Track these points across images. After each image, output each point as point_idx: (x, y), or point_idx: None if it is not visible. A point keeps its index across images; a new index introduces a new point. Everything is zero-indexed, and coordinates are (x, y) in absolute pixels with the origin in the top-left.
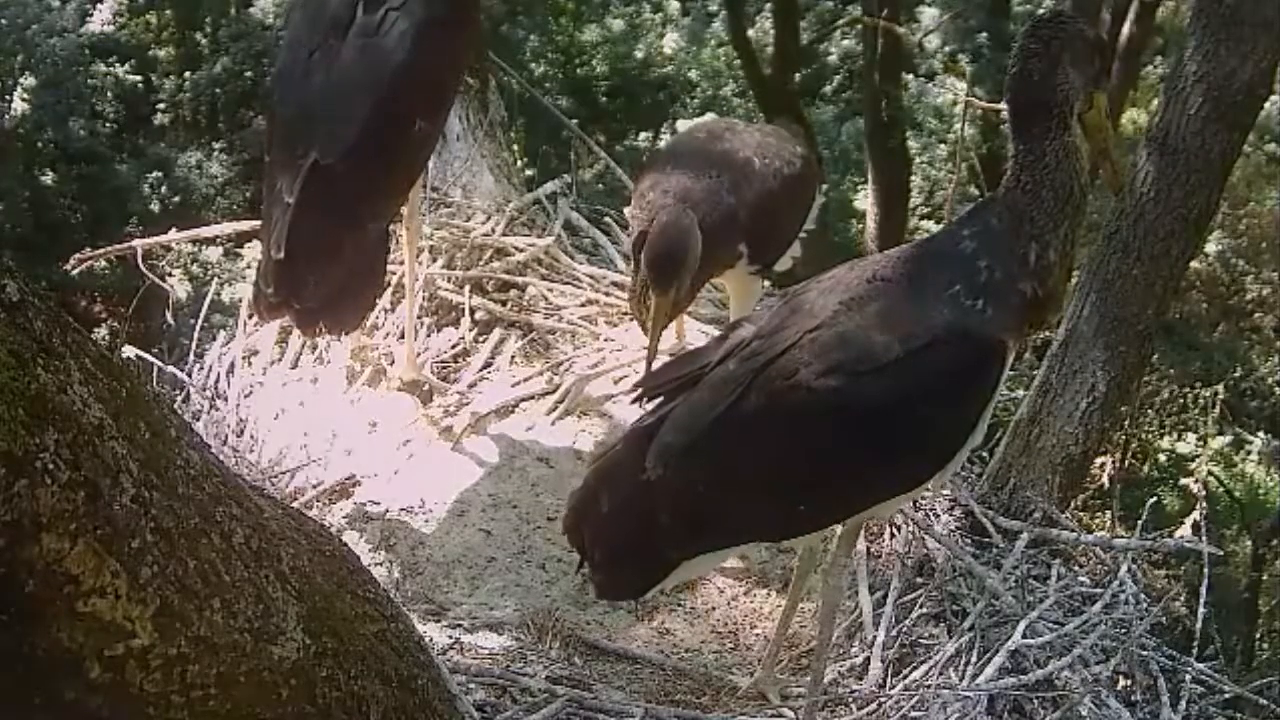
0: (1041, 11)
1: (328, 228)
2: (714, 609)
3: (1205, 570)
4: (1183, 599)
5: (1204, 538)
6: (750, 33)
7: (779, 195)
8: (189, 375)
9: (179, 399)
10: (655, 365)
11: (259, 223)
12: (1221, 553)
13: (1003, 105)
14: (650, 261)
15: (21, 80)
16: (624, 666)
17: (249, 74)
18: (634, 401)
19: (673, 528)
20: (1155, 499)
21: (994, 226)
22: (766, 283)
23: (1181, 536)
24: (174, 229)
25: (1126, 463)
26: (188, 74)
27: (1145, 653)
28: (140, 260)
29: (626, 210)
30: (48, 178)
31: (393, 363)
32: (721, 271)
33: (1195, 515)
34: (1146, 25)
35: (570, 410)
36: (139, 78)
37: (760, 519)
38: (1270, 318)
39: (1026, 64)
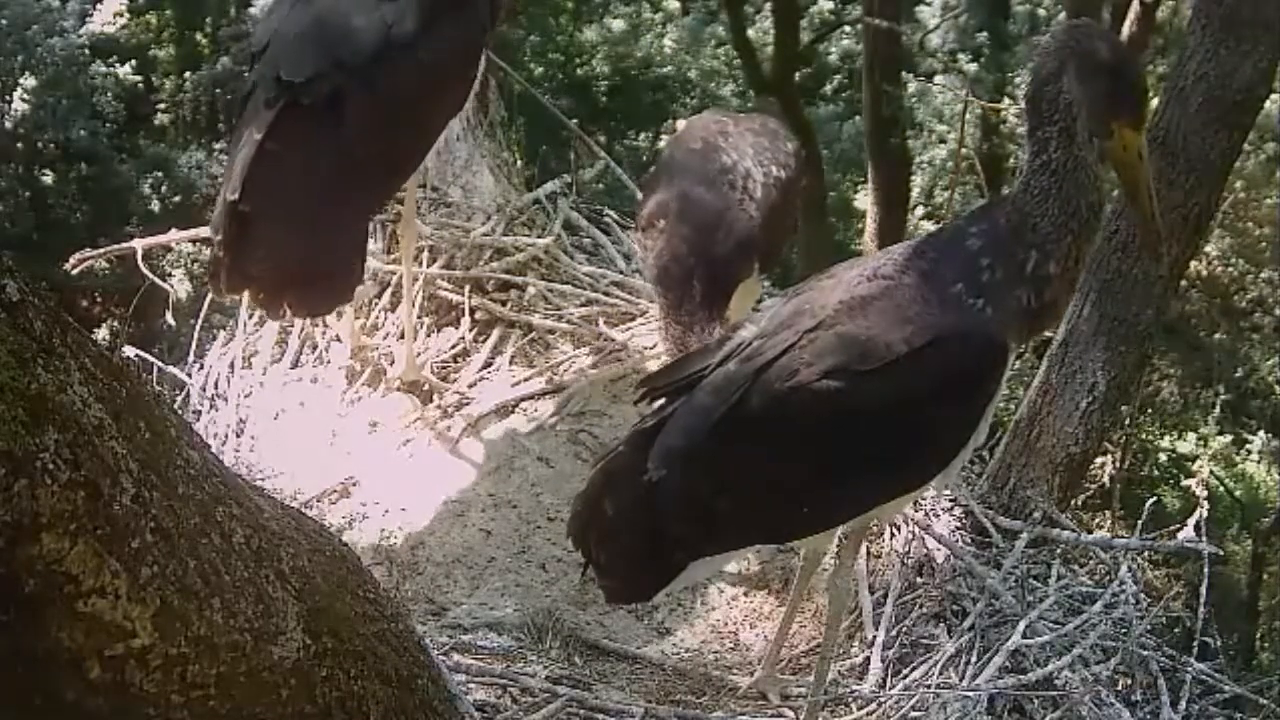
0: (1041, 11)
1: (301, 181)
2: (714, 609)
3: (1205, 570)
4: (1183, 599)
5: (1204, 538)
6: (750, 33)
7: (781, 206)
8: (189, 375)
9: (179, 399)
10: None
11: None
12: (1221, 553)
13: (1003, 105)
14: None
15: (21, 80)
16: (624, 666)
17: (249, 74)
18: (635, 403)
19: (678, 530)
20: (1155, 499)
21: (1001, 226)
22: (766, 282)
23: (1182, 536)
24: (174, 229)
25: (1126, 463)
26: (188, 74)
27: (1145, 653)
28: (140, 260)
29: (632, 233)
30: (48, 178)
31: (393, 363)
32: None
33: (1196, 515)
34: (1146, 25)
35: (570, 410)
36: (139, 78)
37: (764, 520)
38: (1270, 317)
39: (1035, 67)
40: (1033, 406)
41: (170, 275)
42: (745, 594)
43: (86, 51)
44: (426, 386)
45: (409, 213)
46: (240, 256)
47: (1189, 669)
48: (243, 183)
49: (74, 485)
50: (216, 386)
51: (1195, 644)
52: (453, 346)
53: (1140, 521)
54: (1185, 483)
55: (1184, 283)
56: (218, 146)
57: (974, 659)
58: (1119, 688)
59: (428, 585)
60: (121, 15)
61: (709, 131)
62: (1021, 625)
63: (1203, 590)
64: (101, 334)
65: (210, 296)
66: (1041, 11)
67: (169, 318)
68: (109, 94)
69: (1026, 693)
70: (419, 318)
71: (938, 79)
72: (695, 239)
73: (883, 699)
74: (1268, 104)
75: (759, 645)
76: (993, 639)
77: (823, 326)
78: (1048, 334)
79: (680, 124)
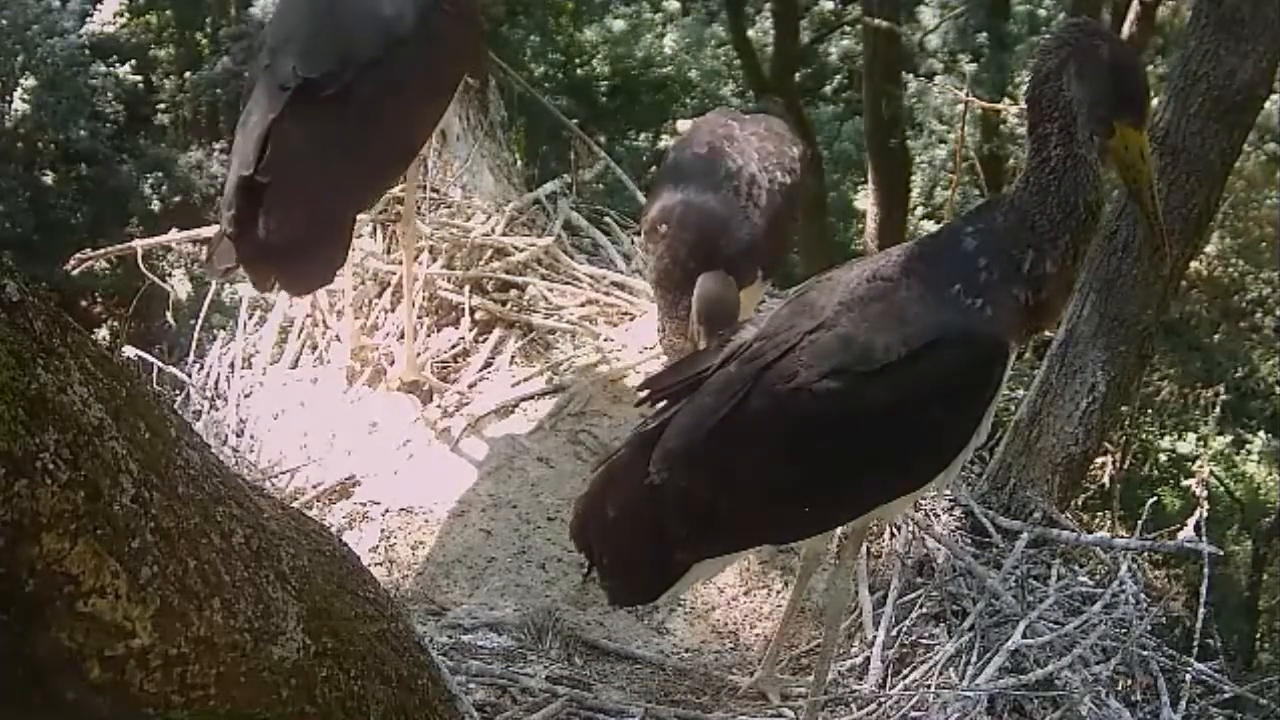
0: (1041, 11)
1: (311, 159)
2: (714, 609)
3: (1205, 570)
4: (1183, 599)
5: (1204, 538)
6: (750, 33)
7: (785, 211)
8: (189, 375)
9: (179, 399)
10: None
11: None
12: (1221, 553)
13: (1003, 105)
14: (708, 325)
15: (22, 80)
16: (624, 666)
17: (249, 74)
18: (637, 405)
19: (680, 532)
20: (1155, 499)
21: (998, 225)
22: (768, 284)
23: (1182, 536)
24: (174, 229)
25: (1126, 463)
26: (188, 74)
27: (1145, 653)
28: (140, 260)
29: (637, 240)
30: (48, 178)
31: (393, 363)
32: None
33: (1196, 515)
34: (1146, 25)
35: (570, 410)
36: (139, 78)
37: (766, 522)
38: (1270, 317)
39: (1036, 65)
40: (1033, 406)
41: (170, 275)
42: (745, 594)
43: (86, 51)
44: (426, 386)
45: (409, 213)
46: (251, 228)
47: (1189, 669)
48: (257, 157)
49: (74, 485)
50: (216, 386)
51: (1195, 644)
52: (453, 346)
53: (1140, 521)
54: (1185, 483)
55: (1184, 283)
56: (218, 146)
57: (974, 659)
58: (1119, 688)
59: (428, 585)
60: (121, 15)
61: (715, 135)
62: (1021, 625)
63: (1203, 590)
64: (101, 334)
65: (210, 296)
66: (1041, 11)
67: (169, 318)
68: (109, 94)
69: (1026, 693)
70: (419, 318)
71: (938, 79)
72: (699, 245)
73: (883, 699)
74: (1268, 104)
75: (759, 645)
76: (993, 639)
77: (823, 328)
78: (1048, 334)
79: (682, 124)
